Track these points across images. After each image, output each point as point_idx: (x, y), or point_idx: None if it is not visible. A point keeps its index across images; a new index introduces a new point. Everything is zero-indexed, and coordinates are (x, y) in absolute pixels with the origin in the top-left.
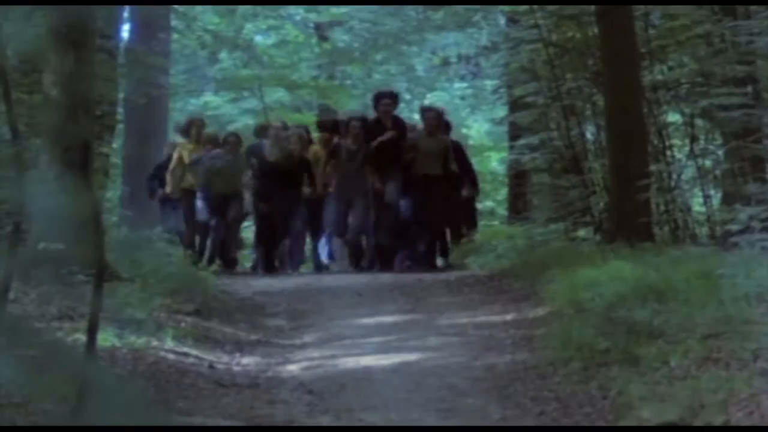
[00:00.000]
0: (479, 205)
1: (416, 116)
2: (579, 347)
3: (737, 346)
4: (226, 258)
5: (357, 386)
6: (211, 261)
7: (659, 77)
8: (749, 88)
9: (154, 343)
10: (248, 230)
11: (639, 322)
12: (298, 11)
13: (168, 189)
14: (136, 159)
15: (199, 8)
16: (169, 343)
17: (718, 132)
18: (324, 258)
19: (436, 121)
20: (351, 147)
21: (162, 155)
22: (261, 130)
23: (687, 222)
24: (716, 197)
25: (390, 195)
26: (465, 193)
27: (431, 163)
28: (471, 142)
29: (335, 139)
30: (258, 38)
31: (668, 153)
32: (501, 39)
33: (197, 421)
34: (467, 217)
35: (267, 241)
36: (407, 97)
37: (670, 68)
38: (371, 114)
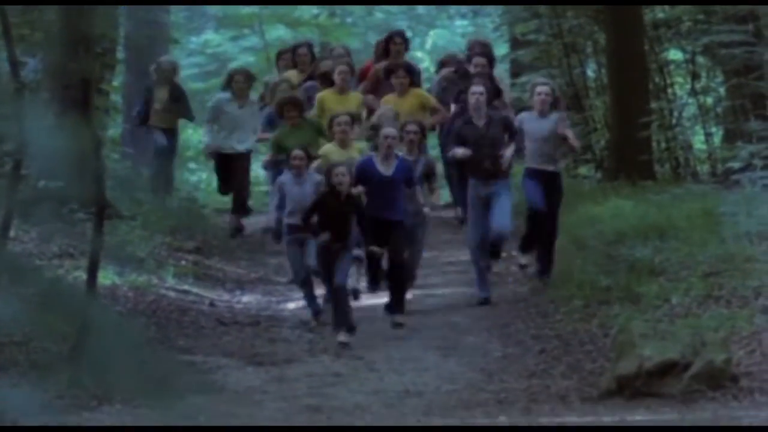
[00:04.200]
0: None
1: (418, 54)
2: (580, 285)
3: (738, 284)
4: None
5: (358, 324)
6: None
7: (660, 15)
8: (750, 26)
9: (155, 281)
10: None
11: (640, 260)
12: None
13: None
14: (137, 97)
15: None
16: (170, 281)
17: (719, 69)
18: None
19: (551, 99)
20: (407, 158)
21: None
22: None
23: (688, 160)
24: (717, 135)
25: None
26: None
27: (546, 155)
28: None
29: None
30: None
31: (669, 90)
32: None
33: (198, 359)
34: None
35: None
36: (408, 35)
37: (672, 6)
38: None
